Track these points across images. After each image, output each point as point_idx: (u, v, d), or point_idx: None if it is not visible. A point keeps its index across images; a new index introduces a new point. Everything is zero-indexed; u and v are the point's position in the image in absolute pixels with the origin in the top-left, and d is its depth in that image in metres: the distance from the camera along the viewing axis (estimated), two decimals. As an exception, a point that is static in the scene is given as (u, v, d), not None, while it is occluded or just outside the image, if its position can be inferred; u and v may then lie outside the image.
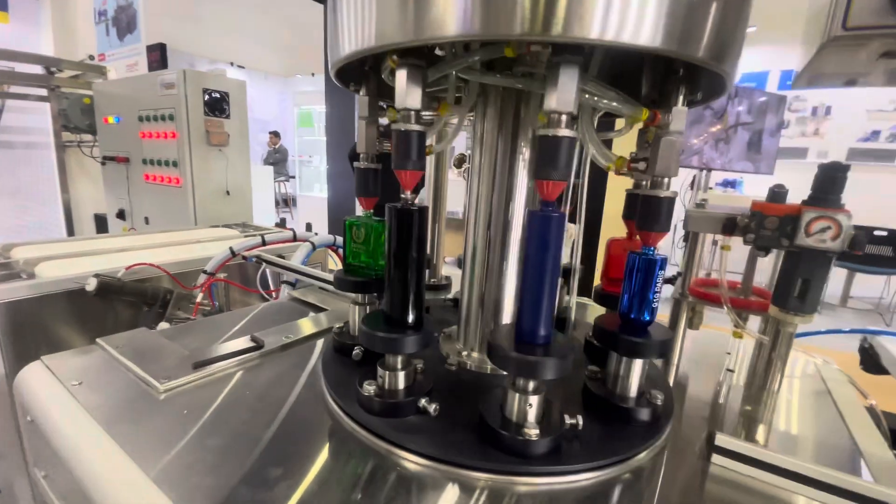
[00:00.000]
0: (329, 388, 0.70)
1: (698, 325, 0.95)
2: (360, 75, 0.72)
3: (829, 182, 0.68)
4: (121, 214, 3.28)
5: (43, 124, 4.19)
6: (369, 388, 0.63)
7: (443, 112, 0.70)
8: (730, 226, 0.76)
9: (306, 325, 0.98)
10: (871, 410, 0.84)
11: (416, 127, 0.59)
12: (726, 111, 3.89)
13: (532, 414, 0.58)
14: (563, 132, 0.52)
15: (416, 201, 0.64)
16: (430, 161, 1.18)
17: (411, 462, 0.58)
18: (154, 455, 0.56)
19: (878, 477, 0.62)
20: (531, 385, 0.57)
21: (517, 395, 0.58)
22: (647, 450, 0.62)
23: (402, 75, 0.57)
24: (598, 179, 0.91)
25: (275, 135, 9.88)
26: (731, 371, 0.92)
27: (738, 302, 0.86)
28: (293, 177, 10.38)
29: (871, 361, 1.31)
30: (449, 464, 0.57)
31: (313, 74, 10.50)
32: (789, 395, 0.85)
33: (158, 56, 4.71)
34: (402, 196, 0.62)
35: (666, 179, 0.58)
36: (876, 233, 4.78)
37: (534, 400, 0.57)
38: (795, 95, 6.62)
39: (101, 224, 3.90)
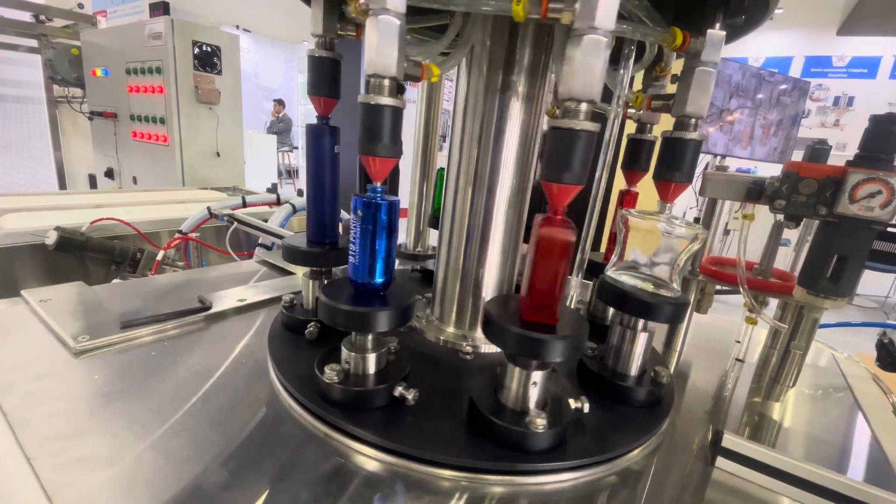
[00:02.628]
0: (276, 368, 0.59)
1: (707, 309, 0.84)
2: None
3: (882, 138, 0.56)
4: (109, 173, 3.17)
5: (34, 78, 4.05)
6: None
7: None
8: (756, 191, 0.64)
9: (267, 289, 0.88)
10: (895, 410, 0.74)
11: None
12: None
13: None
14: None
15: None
16: (419, 119, 1.06)
17: (370, 458, 0.48)
18: (40, 425, 0.46)
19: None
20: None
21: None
22: (640, 448, 0.52)
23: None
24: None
25: (279, 103, 9.65)
26: (741, 361, 0.81)
27: (755, 283, 0.75)
28: (297, 147, 10.20)
29: (889, 358, 1.21)
30: (427, 462, 0.46)
31: (320, 42, 10.18)
32: (804, 390, 0.74)
33: (161, 14, 4.51)
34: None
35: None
36: (889, 229, 4.62)
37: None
38: (818, 84, 6.35)
39: (95, 184, 3.80)
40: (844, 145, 6.34)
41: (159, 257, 1.18)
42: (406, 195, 1.09)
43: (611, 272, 0.57)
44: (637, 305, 0.53)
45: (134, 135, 2.88)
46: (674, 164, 0.52)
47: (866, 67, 6.13)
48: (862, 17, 0.70)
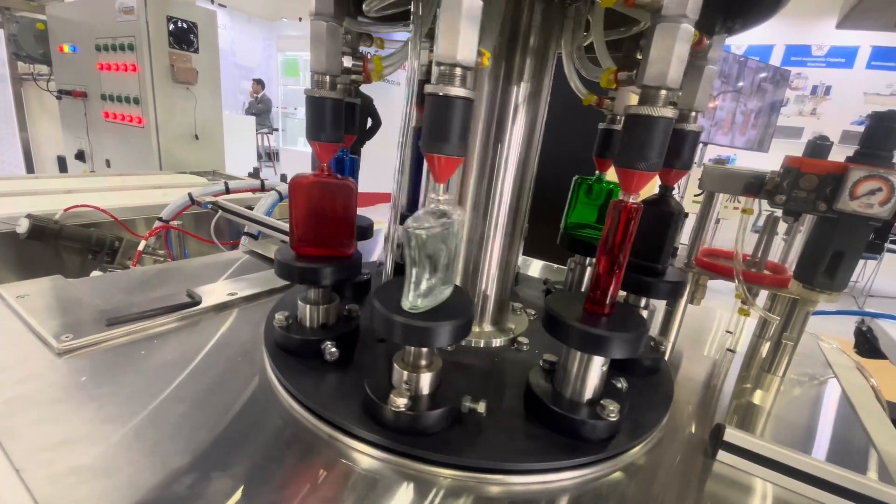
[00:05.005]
0: (272, 364, 0.57)
1: (700, 301, 0.85)
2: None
3: (883, 135, 0.56)
4: (80, 156, 3.03)
5: (-4, 54, 3.81)
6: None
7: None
8: (756, 185, 0.64)
9: (257, 282, 0.85)
10: (878, 397, 0.77)
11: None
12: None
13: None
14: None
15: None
16: (411, 107, 1.03)
17: (370, 457, 0.47)
18: (27, 433, 0.44)
19: (901, 480, 0.54)
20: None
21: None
22: (642, 444, 0.53)
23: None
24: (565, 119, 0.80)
25: (258, 83, 9.33)
26: (732, 351, 0.83)
27: (750, 276, 0.76)
28: (277, 129, 9.93)
29: (867, 345, 1.25)
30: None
31: (300, 19, 9.85)
32: (793, 380, 0.76)
33: (128, -15, 4.26)
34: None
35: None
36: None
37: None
38: (797, 73, 6.45)
39: (64, 167, 3.63)
40: (820, 134, 6.49)
41: (141, 247, 1.14)
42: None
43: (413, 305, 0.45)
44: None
45: (106, 115, 2.75)
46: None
47: (844, 57, 6.25)
48: (864, 11, 0.70)
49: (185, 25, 2.48)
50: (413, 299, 0.44)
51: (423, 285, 0.44)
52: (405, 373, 0.47)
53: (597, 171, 0.76)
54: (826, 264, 0.62)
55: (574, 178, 0.79)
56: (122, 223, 1.37)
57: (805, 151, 0.62)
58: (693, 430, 0.59)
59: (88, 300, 0.72)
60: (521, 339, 0.67)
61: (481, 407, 0.48)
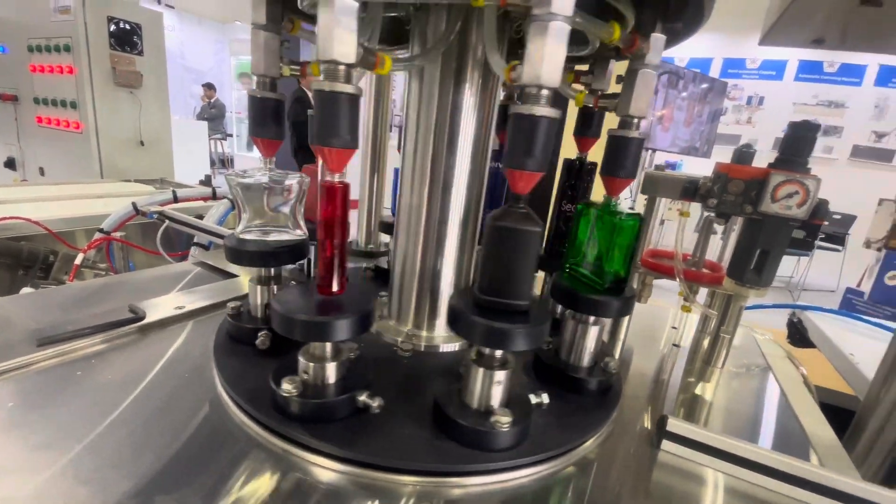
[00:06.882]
0: (225, 383, 0.55)
1: (647, 299, 0.90)
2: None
3: (798, 143, 0.62)
4: (10, 163, 2.81)
5: None
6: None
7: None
8: (691, 190, 0.68)
9: (207, 293, 0.82)
10: (806, 384, 0.83)
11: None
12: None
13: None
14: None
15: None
16: (368, 112, 1.03)
17: (332, 471, 0.46)
18: (-56, 467, 0.41)
19: (825, 461, 0.59)
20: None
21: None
22: (594, 437, 0.55)
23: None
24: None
25: (209, 87, 9.01)
26: (678, 346, 0.88)
27: (689, 274, 0.80)
28: (231, 135, 9.61)
29: (798, 335, 1.36)
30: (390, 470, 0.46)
31: (254, 23, 9.59)
32: (731, 370, 0.82)
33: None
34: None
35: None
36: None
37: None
38: (734, 84, 6.91)
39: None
40: (755, 141, 6.98)
41: (78, 261, 1.07)
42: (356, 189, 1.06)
43: (239, 233, 0.61)
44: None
45: (39, 120, 2.56)
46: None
47: (774, 70, 6.75)
48: (781, 30, 0.77)
49: (127, 26, 2.36)
50: (240, 229, 0.60)
51: (245, 221, 0.59)
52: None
53: (603, 194, 0.58)
54: (754, 262, 0.67)
55: (578, 207, 0.61)
56: (57, 236, 1.28)
57: (732, 158, 0.67)
58: (643, 423, 0.62)
59: (17, 319, 0.67)
60: None
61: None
